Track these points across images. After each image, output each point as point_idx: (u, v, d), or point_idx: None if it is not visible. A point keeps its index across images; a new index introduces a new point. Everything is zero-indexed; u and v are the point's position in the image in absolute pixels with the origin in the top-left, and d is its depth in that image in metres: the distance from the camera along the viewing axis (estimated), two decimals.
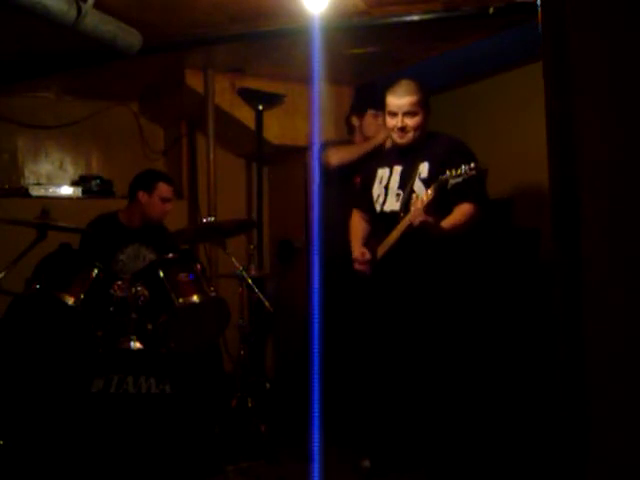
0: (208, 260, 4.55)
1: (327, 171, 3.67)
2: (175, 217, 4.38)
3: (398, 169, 3.01)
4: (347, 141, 3.90)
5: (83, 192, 4.69)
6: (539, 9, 1.48)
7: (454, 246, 2.88)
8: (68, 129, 4.83)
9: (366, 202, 3.14)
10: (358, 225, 3.24)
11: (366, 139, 3.74)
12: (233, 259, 3.51)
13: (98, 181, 4.74)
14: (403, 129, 2.93)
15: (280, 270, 4.87)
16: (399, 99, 2.92)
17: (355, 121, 3.85)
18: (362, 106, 3.84)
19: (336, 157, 3.66)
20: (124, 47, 2.99)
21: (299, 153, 4.44)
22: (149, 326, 3.16)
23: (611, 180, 1.37)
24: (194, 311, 3.24)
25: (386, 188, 3.02)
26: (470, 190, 2.75)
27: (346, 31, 3.48)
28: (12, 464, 2.79)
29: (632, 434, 1.33)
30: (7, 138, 4.75)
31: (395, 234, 2.86)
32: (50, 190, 4.57)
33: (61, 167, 4.97)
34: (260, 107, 4.28)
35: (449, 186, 2.65)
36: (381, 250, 2.96)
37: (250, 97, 4.29)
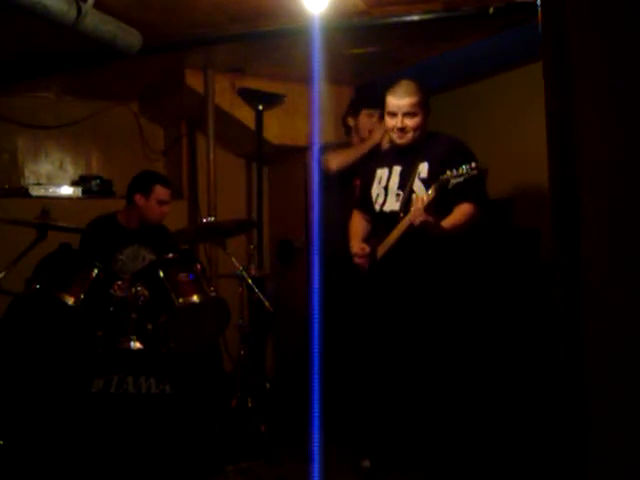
0: (208, 260, 4.55)
1: (327, 176, 3.68)
2: (175, 217, 4.38)
3: (397, 169, 3.01)
4: (345, 142, 3.91)
5: (83, 192, 4.69)
6: (539, 9, 1.48)
7: (454, 246, 2.88)
8: (68, 129, 4.83)
9: (366, 202, 3.14)
10: (358, 224, 3.24)
11: (362, 139, 3.75)
12: (233, 259, 3.51)
13: (98, 181, 4.74)
14: (403, 129, 2.93)
15: (280, 270, 4.87)
16: (399, 100, 2.92)
17: (351, 122, 3.86)
18: (356, 106, 3.85)
19: (335, 162, 3.67)
20: (124, 47, 2.99)
21: (299, 153, 4.44)
22: (149, 326, 3.16)
23: (611, 180, 1.37)
24: (194, 311, 3.24)
25: (385, 188, 3.02)
26: (470, 190, 2.75)
27: (346, 31, 3.48)
28: (12, 464, 2.79)
29: (632, 434, 1.33)
30: (7, 138, 4.75)
31: (395, 234, 2.86)
32: (50, 190, 4.57)
33: (61, 167, 4.97)
34: (260, 107, 4.28)
35: (450, 186, 2.65)
36: (381, 250, 2.96)
37: (250, 97, 4.29)
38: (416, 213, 2.72)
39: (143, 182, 3.69)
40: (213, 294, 3.30)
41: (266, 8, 3.26)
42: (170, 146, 5.16)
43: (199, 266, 3.41)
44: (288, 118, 4.54)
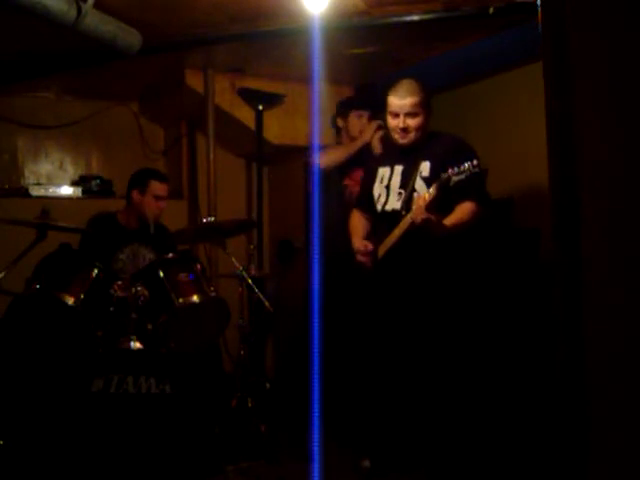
0: (208, 260, 4.55)
1: (316, 174, 3.72)
2: (175, 217, 4.38)
3: (399, 168, 3.01)
4: (336, 143, 3.95)
5: (83, 192, 4.69)
6: (539, 9, 1.48)
7: (455, 245, 2.88)
8: (68, 129, 4.83)
9: (367, 201, 3.14)
10: (358, 223, 3.24)
11: (352, 139, 3.78)
12: (233, 259, 3.51)
13: (98, 181, 4.74)
14: (405, 130, 2.92)
15: (280, 270, 4.87)
16: (401, 100, 2.91)
17: (340, 122, 3.89)
18: (345, 107, 3.88)
19: (324, 160, 3.69)
20: (124, 47, 2.99)
21: (299, 153, 4.45)
22: (149, 326, 3.16)
23: (611, 180, 1.37)
24: (194, 311, 3.24)
25: (387, 187, 3.02)
26: (472, 188, 2.75)
27: (346, 31, 3.48)
28: (12, 464, 2.79)
29: (632, 434, 1.33)
30: (7, 138, 4.75)
31: (397, 232, 2.86)
32: (50, 190, 4.57)
33: (61, 167, 4.97)
34: (260, 107, 4.28)
35: (452, 183, 2.65)
36: (383, 249, 2.96)
37: (250, 97, 4.30)
38: (418, 211, 2.72)
39: (139, 178, 3.70)
40: (213, 294, 3.30)
41: (266, 8, 3.26)
42: (170, 146, 5.16)
43: (199, 266, 3.41)
44: (288, 118, 4.54)
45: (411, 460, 2.93)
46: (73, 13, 2.63)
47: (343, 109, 3.89)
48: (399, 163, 3.02)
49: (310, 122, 4.14)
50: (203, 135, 4.68)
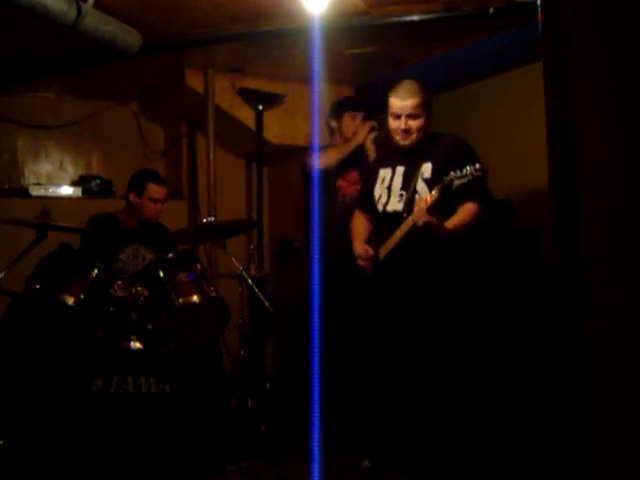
0: (208, 260, 4.55)
1: (311, 175, 3.74)
2: (175, 217, 4.38)
3: (401, 170, 3.01)
4: (329, 144, 3.96)
5: (83, 192, 4.69)
6: (539, 9, 1.48)
7: (455, 246, 2.88)
8: (68, 129, 4.83)
9: (368, 202, 3.13)
10: (360, 224, 3.23)
11: (345, 140, 3.80)
12: (233, 259, 3.51)
13: (98, 181, 4.74)
14: (407, 131, 2.92)
15: (280, 270, 4.87)
16: (402, 101, 2.90)
17: (334, 124, 3.90)
18: (339, 109, 3.89)
19: (321, 161, 3.70)
20: (124, 47, 2.99)
21: (299, 153, 4.44)
22: (149, 326, 3.16)
23: (611, 180, 1.37)
24: (194, 311, 3.24)
25: (388, 188, 3.02)
26: (473, 189, 2.74)
27: (346, 31, 3.48)
28: (12, 464, 2.79)
29: (632, 434, 1.33)
30: (7, 138, 4.75)
31: (399, 234, 2.86)
32: (50, 190, 4.57)
33: (61, 167, 4.97)
34: (260, 107, 4.28)
35: (454, 187, 2.64)
36: (384, 251, 2.96)
37: (250, 97, 4.30)
38: (419, 214, 2.72)
39: (136, 180, 3.70)
40: (213, 294, 3.31)
41: (266, 8, 3.26)
42: (170, 146, 5.16)
43: (199, 266, 3.41)
44: (288, 118, 4.54)
45: (411, 460, 2.93)
46: (73, 13, 2.63)
47: (337, 110, 3.90)
48: (400, 164, 3.01)
49: (310, 122, 4.14)
50: (203, 135, 4.68)
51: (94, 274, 3.15)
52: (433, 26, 3.41)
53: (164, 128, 5.24)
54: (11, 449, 2.82)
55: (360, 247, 3.09)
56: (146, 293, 3.11)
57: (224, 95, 4.45)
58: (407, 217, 2.82)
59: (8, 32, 3.32)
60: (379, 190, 3.06)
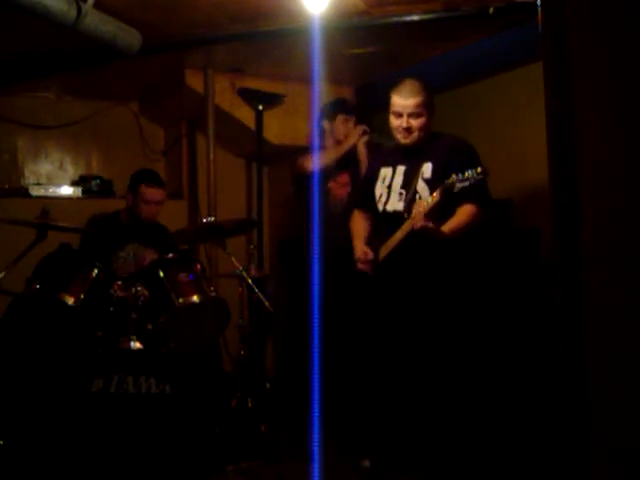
0: (208, 260, 4.55)
1: (303, 176, 3.76)
2: (175, 217, 4.38)
3: (401, 169, 3.01)
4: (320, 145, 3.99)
5: (83, 192, 4.68)
6: (539, 9, 1.48)
7: (455, 247, 2.88)
8: (68, 129, 4.83)
9: (368, 201, 3.13)
10: (360, 224, 3.23)
11: (337, 142, 3.82)
12: (233, 259, 3.50)
13: (98, 181, 4.74)
14: (408, 130, 2.92)
15: (280, 270, 4.87)
16: (404, 100, 2.90)
17: (326, 125, 3.91)
18: (332, 111, 3.90)
19: (310, 163, 3.72)
20: (124, 47, 2.99)
21: (299, 153, 4.44)
22: (149, 326, 3.16)
23: (611, 180, 1.37)
24: (194, 311, 3.25)
25: (389, 188, 3.02)
26: (472, 191, 2.74)
27: (346, 31, 3.48)
28: (12, 464, 2.79)
29: (632, 434, 1.33)
30: (7, 138, 4.75)
31: (399, 235, 2.86)
32: (50, 190, 4.57)
33: (61, 167, 4.96)
34: (260, 107, 4.28)
35: (455, 189, 2.64)
36: (384, 251, 2.96)
37: (250, 97, 4.30)
38: (417, 217, 2.72)
39: (132, 181, 3.73)
40: (213, 294, 3.31)
41: (266, 8, 3.26)
42: (170, 146, 5.16)
43: (199, 266, 3.41)
44: (288, 118, 4.54)
45: (411, 460, 2.93)
46: (73, 13, 2.63)
47: (330, 112, 3.92)
48: (401, 163, 3.01)
49: (310, 122, 4.15)
50: (203, 135, 4.68)
51: (94, 274, 3.16)
52: (433, 26, 3.41)
53: (164, 128, 5.24)
54: (11, 449, 2.82)
55: (360, 250, 3.08)
56: (146, 293, 3.11)
57: (224, 95, 4.45)
58: (408, 218, 2.82)
59: (8, 32, 3.32)
60: (380, 189, 3.06)
